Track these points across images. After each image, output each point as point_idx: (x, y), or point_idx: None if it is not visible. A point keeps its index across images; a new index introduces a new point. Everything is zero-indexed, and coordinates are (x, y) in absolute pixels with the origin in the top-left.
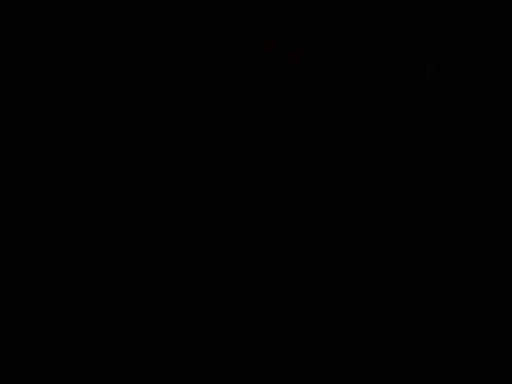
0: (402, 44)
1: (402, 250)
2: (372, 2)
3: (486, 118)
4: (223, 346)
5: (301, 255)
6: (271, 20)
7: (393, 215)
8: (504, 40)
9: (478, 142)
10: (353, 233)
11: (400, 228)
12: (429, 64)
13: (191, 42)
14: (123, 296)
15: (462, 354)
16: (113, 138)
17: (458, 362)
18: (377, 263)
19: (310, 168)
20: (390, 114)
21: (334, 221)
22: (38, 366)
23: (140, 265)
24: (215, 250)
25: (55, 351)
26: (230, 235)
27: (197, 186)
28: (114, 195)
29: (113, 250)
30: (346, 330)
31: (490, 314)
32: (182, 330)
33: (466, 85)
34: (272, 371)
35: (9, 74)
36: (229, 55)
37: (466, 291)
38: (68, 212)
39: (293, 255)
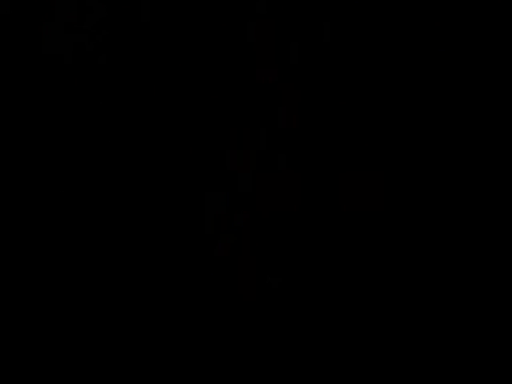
0: (402, 44)
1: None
2: (372, 2)
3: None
4: (223, 346)
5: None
6: (271, 20)
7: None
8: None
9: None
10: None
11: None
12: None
13: (191, 41)
14: (123, 296)
15: (461, 350)
16: (112, 137)
17: (457, 359)
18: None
19: (309, 168)
20: (389, 114)
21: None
22: (37, 366)
23: (140, 265)
24: (216, 249)
25: (55, 351)
26: (229, 235)
27: (196, 186)
28: (114, 194)
29: (112, 250)
30: (345, 325)
31: (490, 312)
32: (182, 329)
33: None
34: (272, 371)
35: (8, 74)
36: (228, 55)
37: (465, 290)
38: (66, 212)
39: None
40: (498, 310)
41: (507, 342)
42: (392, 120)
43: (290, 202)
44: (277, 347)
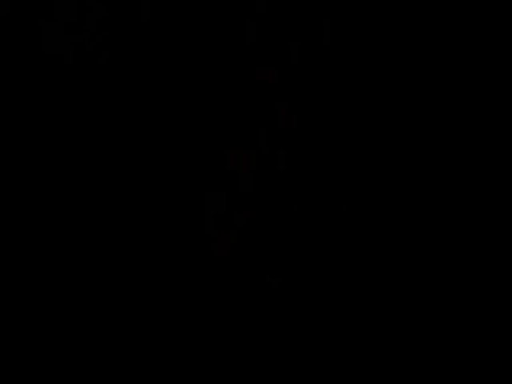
0: (402, 44)
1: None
2: (372, 2)
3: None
4: (223, 346)
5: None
6: (271, 20)
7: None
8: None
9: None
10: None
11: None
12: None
13: (191, 41)
14: (123, 295)
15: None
16: (112, 137)
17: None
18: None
19: (309, 168)
20: (389, 114)
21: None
22: (37, 366)
23: (140, 264)
24: (216, 249)
25: (55, 351)
26: (229, 235)
27: (195, 186)
28: (115, 195)
29: (113, 249)
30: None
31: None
32: (181, 329)
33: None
34: (272, 371)
35: (9, 74)
36: (228, 55)
37: (465, 290)
38: (66, 212)
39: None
40: (497, 309)
41: (507, 342)
42: (392, 120)
43: (289, 201)
44: (277, 347)
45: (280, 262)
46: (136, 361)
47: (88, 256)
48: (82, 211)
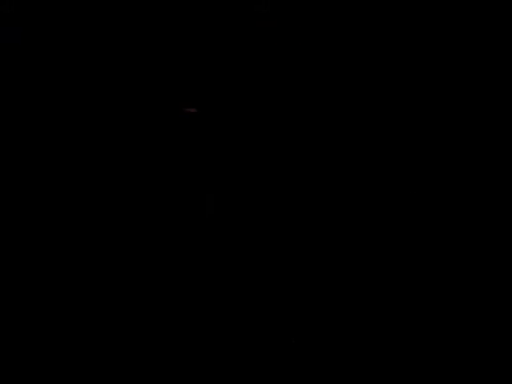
0: (400, 44)
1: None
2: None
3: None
4: (222, 347)
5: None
6: (271, 19)
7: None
8: None
9: None
10: None
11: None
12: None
13: (191, 41)
14: (124, 294)
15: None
16: (110, 137)
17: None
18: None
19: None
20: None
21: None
22: (37, 366)
23: (137, 262)
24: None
25: (55, 351)
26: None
27: (188, 187)
28: (114, 192)
29: (115, 250)
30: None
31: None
32: (180, 330)
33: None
34: (272, 370)
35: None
36: (229, 55)
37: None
38: (65, 211)
39: None
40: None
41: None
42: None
43: None
44: (277, 345)
45: None
46: (136, 360)
47: (89, 254)
48: (83, 209)
